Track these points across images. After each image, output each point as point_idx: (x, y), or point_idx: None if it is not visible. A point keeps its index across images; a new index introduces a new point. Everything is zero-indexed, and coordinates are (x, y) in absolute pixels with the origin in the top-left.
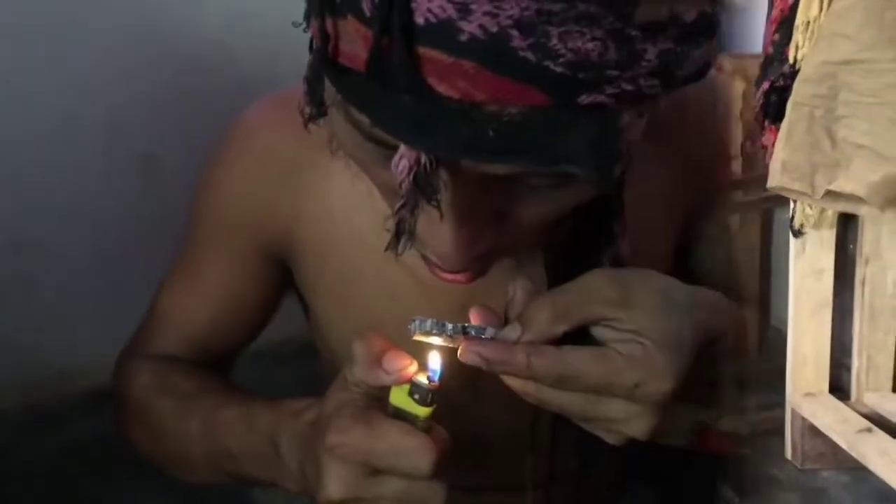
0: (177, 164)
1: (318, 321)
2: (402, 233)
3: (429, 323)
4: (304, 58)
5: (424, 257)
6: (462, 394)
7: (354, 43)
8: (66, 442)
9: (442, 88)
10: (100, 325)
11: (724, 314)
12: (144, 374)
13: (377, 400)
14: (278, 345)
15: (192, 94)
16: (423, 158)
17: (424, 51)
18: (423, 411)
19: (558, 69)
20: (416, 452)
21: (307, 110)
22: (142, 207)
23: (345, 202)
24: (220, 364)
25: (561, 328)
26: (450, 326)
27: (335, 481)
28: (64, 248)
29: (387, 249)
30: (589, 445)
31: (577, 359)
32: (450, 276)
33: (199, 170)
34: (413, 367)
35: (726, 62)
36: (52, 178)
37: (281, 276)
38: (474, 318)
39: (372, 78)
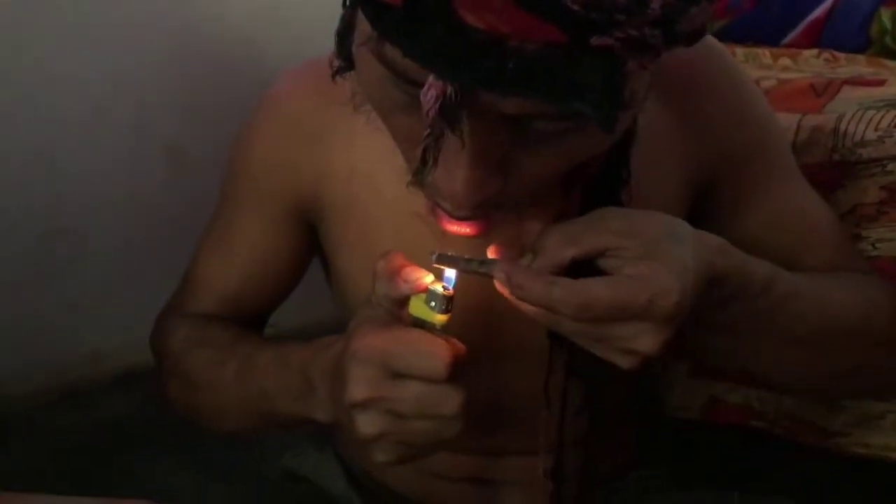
0: (203, 155)
1: (340, 280)
2: (427, 161)
3: (448, 253)
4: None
5: (433, 207)
6: (477, 351)
7: None
8: (98, 419)
9: (471, 20)
10: (131, 309)
11: (731, 259)
12: (182, 328)
13: (399, 319)
14: (300, 330)
15: (218, 87)
16: (449, 89)
17: None
18: (439, 318)
19: (574, 7)
20: (432, 354)
21: (335, 63)
22: (169, 197)
23: (367, 161)
24: (251, 324)
25: (570, 252)
26: (468, 257)
27: (357, 382)
28: (97, 235)
29: (412, 179)
30: (597, 401)
31: (592, 286)
32: (455, 227)
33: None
34: (430, 277)
35: None
36: (85, 168)
37: (308, 237)
38: (492, 254)
39: (407, 12)
